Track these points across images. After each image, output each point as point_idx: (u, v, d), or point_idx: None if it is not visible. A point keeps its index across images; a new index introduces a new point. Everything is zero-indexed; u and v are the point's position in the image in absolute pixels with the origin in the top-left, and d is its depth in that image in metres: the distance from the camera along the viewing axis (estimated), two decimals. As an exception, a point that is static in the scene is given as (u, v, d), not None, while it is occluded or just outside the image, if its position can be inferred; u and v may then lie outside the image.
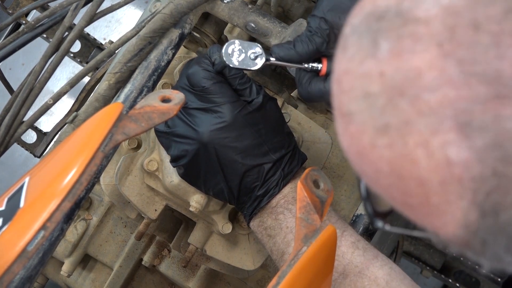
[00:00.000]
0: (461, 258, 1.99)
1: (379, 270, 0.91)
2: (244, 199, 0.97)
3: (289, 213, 0.95)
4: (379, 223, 0.64)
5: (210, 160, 0.94)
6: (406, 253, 1.97)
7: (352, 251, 0.92)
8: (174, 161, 0.98)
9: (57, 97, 0.99)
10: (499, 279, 1.95)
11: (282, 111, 1.09)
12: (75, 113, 0.99)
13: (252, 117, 0.95)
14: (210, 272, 1.26)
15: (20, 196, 0.65)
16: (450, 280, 1.98)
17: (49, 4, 1.14)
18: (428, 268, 1.98)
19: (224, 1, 1.02)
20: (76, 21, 1.03)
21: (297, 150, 0.99)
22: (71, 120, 0.98)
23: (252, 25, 1.02)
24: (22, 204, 0.64)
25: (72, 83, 1.00)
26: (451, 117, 0.44)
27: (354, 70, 0.49)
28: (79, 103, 1.48)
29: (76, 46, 1.80)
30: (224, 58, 0.94)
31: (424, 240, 1.98)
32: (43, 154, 1.65)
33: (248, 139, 0.94)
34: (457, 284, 1.97)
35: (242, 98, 0.97)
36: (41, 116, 1.01)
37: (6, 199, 0.66)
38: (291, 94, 1.39)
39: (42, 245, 0.75)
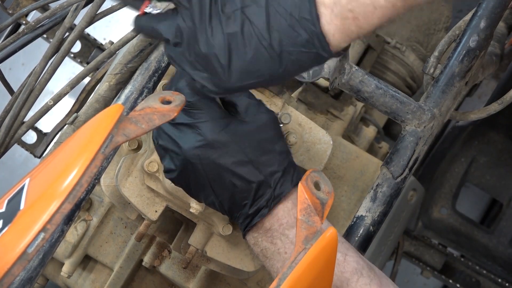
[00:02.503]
0: (462, 259, 2.00)
1: None
2: (236, 215, 0.95)
3: (286, 239, 0.92)
4: None
5: (198, 175, 0.93)
6: (406, 253, 1.97)
7: (356, 278, 0.89)
8: (166, 172, 0.97)
9: (57, 98, 0.99)
10: (499, 280, 1.95)
11: (283, 112, 1.08)
12: (75, 114, 0.99)
13: (236, 135, 0.93)
14: (210, 273, 1.26)
15: (20, 198, 0.65)
16: (450, 281, 1.98)
17: (49, 4, 1.14)
18: (428, 268, 1.98)
19: (225, 2, 1.02)
20: (76, 21, 1.03)
21: (291, 170, 0.95)
22: (71, 121, 0.98)
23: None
24: (22, 206, 0.64)
25: (72, 84, 1.00)
26: None
27: None
28: (79, 103, 1.48)
29: (76, 47, 1.81)
30: None
31: (425, 240, 1.98)
32: (43, 154, 1.65)
33: (233, 157, 0.92)
34: (458, 285, 1.97)
35: (235, 113, 0.95)
36: (42, 117, 1.01)
37: (6, 201, 0.66)
38: (292, 95, 1.39)
39: (42, 246, 0.75)
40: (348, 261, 0.91)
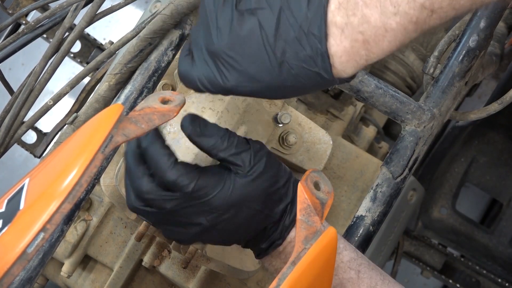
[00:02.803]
0: (462, 259, 2.00)
1: None
2: (249, 247, 0.96)
3: None
4: None
5: (210, 235, 0.92)
6: (406, 253, 1.98)
7: None
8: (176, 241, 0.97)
9: (57, 98, 0.99)
10: (499, 280, 1.95)
11: (282, 112, 1.08)
12: (75, 114, 0.98)
13: (242, 193, 0.89)
14: (210, 273, 1.26)
15: (20, 197, 0.65)
16: (450, 281, 1.98)
17: (49, 4, 1.14)
18: (428, 268, 1.98)
19: (225, 2, 1.02)
20: (76, 21, 1.03)
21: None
22: (71, 121, 0.97)
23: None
24: (22, 206, 0.64)
25: (72, 84, 1.00)
26: None
27: None
28: (79, 103, 1.48)
29: (76, 47, 1.81)
30: None
31: (425, 240, 1.98)
32: (43, 154, 1.65)
33: (243, 214, 0.89)
34: (458, 285, 1.97)
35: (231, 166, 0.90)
36: (41, 117, 1.01)
37: (6, 201, 0.66)
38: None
39: (42, 246, 0.75)
40: (362, 278, 0.90)
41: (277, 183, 0.91)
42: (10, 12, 1.60)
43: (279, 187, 0.91)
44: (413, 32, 0.77)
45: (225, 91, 0.85)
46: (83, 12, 1.03)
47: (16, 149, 1.53)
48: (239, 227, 0.90)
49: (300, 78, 0.81)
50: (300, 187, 0.85)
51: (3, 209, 0.65)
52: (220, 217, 0.88)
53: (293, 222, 0.92)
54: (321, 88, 0.85)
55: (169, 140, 0.96)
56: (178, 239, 0.93)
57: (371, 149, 1.59)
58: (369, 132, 1.57)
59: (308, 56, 0.79)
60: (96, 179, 0.96)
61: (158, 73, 0.99)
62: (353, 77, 0.83)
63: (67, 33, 1.02)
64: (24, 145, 1.67)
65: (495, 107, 1.14)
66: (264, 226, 0.91)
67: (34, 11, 1.71)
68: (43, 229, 0.60)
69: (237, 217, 0.89)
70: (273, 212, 0.91)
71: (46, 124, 1.77)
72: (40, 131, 1.70)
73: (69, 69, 2.21)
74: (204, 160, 0.97)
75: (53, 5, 1.06)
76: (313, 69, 0.80)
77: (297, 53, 0.79)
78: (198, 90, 0.87)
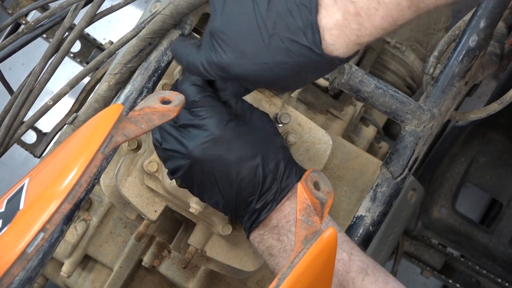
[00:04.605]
0: (462, 259, 2.00)
1: None
2: (242, 213, 0.95)
3: (293, 236, 0.92)
4: None
5: (204, 173, 0.93)
6: (406, 253, 1.98)
7: (362, 277, 0.89)
8: (171, 174, 0.97)
9: (57, 98, 0.99)
10: (499, 280, 1.95)
11: (282, 112, 1.08)
12: (75, 114, 0.98)
13: (241, 129, 0.93)
14: (210, 273, 1.26)
15: (20, 197, 0.65)
16: (450, 281, 1.98)
17: (49, 4, 1.14)
18: (428, 268, 1.98)
19: (224, 1, 1.02)
20: (76, 21, 1.03)
21: (294, 164, 0.97)
22: (71, 121, 0.97)
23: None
24: (21, 206, 0.64)
25: (72, 84, 1.00)
26: None
27: None
28: (79, 103, 1.48)
29: (76, 46, 1.81)
30: None
31: (424, 240, 1.98)
32: (43, 154, 1.66)
33: (239, 150, 0.92)
34: (457, 285, 1.97)
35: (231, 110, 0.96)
36: (41, 117, 1.01)
37: (5, 201, 0.66)
38: (291, 95, 1.38)
39: (41, 246, 0.75)
40: (353, 260, 0.91)
41: (273, 139, 0.95)
42: (10, 12, 1.60)
43: (274, 143, 0.95)
44: (407, 9, 0.77)
45: (223, 72, 0.85)
46: (83, 12, 1.03)
47: (16, 149, 1.53)
48: (229, 162, 0.91)
49: (291, 53, 0.81)
50: (299, 187, 0.85)
51: (3, 209, 0.65)
52: (213, 142, 0.91)
53: (288, 188, 0.93)
54: (316, 72, 0.85)
55: None
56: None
57: (371, 149, 1.59)
58: (369, 132, 1.57)
59: (298, 28, 0.80)
60: (96, 179, 0.96)
61: (158, 73, 0.99)
62: (348, 58, 0.83)
63: (67, 33, 1.02)
64: (24, 145, 1.68)
65: (495, 107, 1.14)
66: (256, 174, 0.92)
67: (34, 11, 1.71)
68: (43, 229, 0.60)
69: (228, 151, 0.91)
70: (266, 161, 0.93)
71: (46, 124, 1.77)
72: (40, 131, 1.70)
73: (69, 69, 2.21)
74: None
75: (53, 5, 1.06)
76: (302, 43, 0.80)
77: (288, 25, 0.80)
78: (202, 75, 0.88)
